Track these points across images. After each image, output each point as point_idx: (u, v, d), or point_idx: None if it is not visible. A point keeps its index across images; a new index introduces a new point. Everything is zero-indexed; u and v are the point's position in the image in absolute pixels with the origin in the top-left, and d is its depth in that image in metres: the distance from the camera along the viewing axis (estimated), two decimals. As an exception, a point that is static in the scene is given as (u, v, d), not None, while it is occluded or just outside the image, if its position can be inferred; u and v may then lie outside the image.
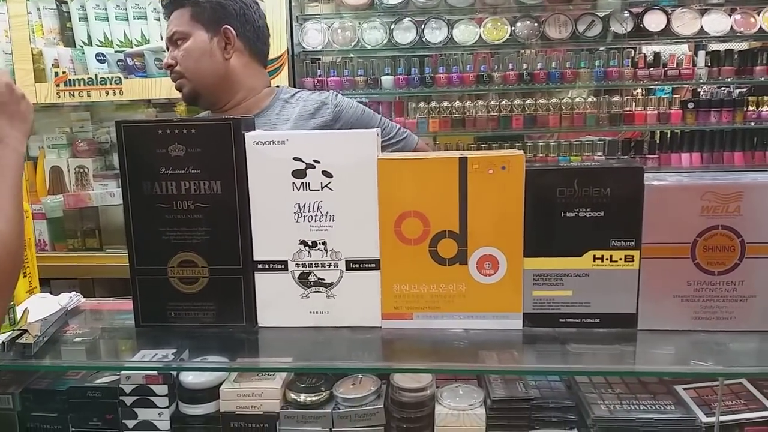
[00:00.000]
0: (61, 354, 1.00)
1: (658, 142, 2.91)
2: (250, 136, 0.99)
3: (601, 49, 2.85)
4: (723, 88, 3.12)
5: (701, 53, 2.83)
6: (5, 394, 1.02)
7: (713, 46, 3.00)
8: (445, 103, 2.89)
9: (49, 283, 1.95)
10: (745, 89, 3.04)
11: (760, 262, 0.94)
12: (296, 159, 0.99)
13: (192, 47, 1.62)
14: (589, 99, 2.81)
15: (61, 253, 2.27)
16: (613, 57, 2.82)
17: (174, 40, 1.64)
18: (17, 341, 0.96)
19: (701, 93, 3.08)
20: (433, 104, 2.91)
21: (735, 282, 0.95)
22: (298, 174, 0.99)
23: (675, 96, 2.84)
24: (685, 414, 0.94)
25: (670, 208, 0.94)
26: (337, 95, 1.74)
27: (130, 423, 1.00)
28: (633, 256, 0.96)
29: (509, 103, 2.85)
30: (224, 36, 1.64)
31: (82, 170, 2.25)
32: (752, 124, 2.84)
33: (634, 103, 2.85)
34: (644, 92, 3.09)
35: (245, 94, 1.69)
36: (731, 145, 2.86)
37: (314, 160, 0.99)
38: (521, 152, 0.97)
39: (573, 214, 0.96)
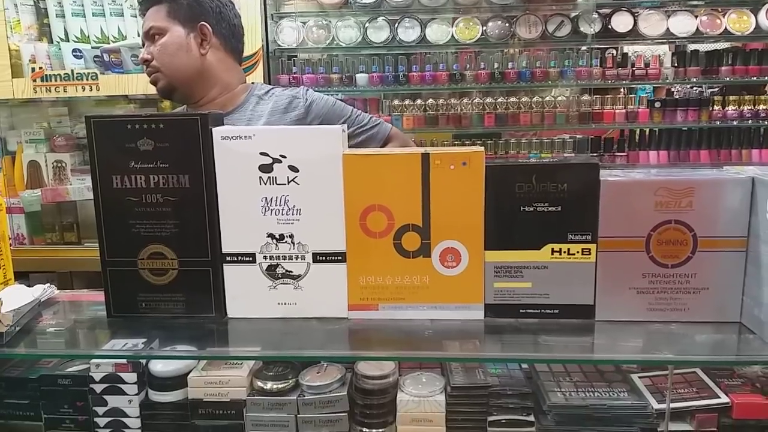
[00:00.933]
0: (33, 343, 1.02)
1: (627, 140, 2.97)
2: (217, 131, 1.01)
3: (593, 48, 2.91)
4: (695, 88, 3.19)
5: (668, 53, 2.90)
6: (-23, 383, 1.04)
7: (695, 47, 3.06)
8: (419, 101, 2.94)
9: (27, 277, 1.95)
10: (716, 89, 3.11)
11: (711, 255, 0.98)
12: (263, 153, 1.01)
13: (168, 42, 1.64)
14: (559, 98, 2.87)
15: (40, 247, 2.28)
16: (588, 56, 2.88)
17: (150, 35, 1.66)
18: (-12, 331, 0.97)
19: (674, 93, 3.14)
20: (407, 101, 2.96)
21: (688, 274, 0.99)
22: (265, 168, 1.02)
23: (642, 96, 2.91)
24: (637, 400, 0.98)
25: (625, 203, 0.98)
26: (308, 90, 1.77)
27: (100, 410, 1.03)
28: (590, 249, 1.00)
29: (481, 101, 2.91)
30: (200, 32, 1.67)
31: (59, 165, 2.26)
32: (717, 123, 2.91)
33: (602, 102, 2.92)
34: (626, 92, 3.15)
35: (220, 90, 1.72)
36: (698, 143, 2.93)
37: (281, 155, 1.01)
38: (481, 149, 1.00)
39: (532, 209, 0.99)
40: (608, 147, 2.94)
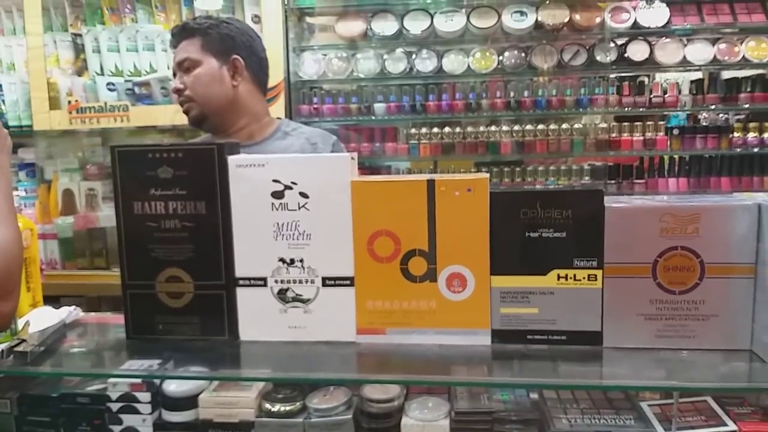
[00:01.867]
0: (56, 363, 1.06)
1: (646, 167, 2.95)
2: (232, 160, 1.06)
3: (612, 77, 2.91)
4: (721, 115, 3.16)
5: (686, 81, 2.88)
6: (4, 399, 1.09)
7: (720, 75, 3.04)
8: (435, 129, 2.98)
9: (59, 300, 2.02)
10: (742, 115, 3.07)
11: (719, 282, 0.97)
12: (275, 181, 1.05)
13: (202, 73, 1.71)
14: (576, 126, 2.87)
15: (71, 272, 2.36)
16: (605, 84, 2.89)
17: (184, 67, 1.73)
18: (15, 349, 1.02)
19: (701, 120, 3.12)
20: (424, 130, 3.01)
21: (696, 301, 0.98)
22: (277, 195, 1.05)
23: (660, 123, 2.89)
24: (643, 428, 0.97)
25: (630, 229, 0.98)
26: (334, 143, 1.81)
27: (116, 428, 1.06)
28: (596, 275, 1.00)
29: (497, 129, 2.93)
30: (233, 65, 1.74)
31: (92, 193, 2.35)
32: (738, 150, 2.88)
33: (620, 129, 2.91)
34: (657, 119, 3.13)
35: (248, 120, 1.79)
36: (718, 171, 2.89)
37: (292, 182, 1.05)
38: (486, 175, 1.02)
39: (537, 234, 1.00)
40: (627, 174, 2.92)
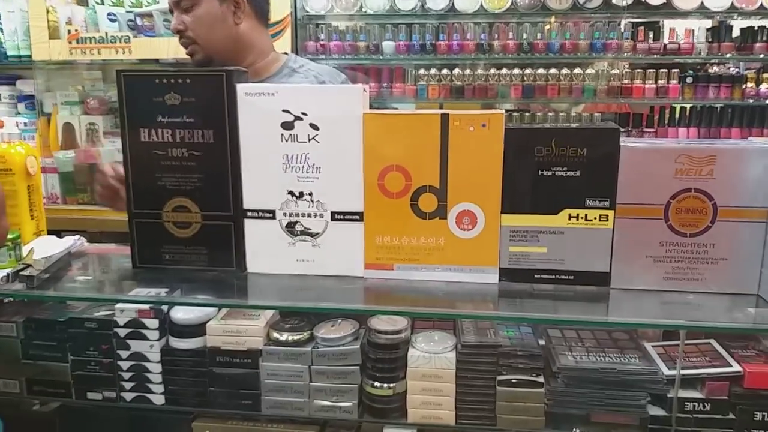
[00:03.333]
0: (62, 288, 1.06)
1: (657, 117, 2.92)
2: (241, 87, 1.03)
3: (637, 21, 2.83)
4: (731, 68, 3.11)
5: (702, 28, 2.82)
6: (9, 323, 1.09)
7: (736, 23, 2.97)
8: (445, 71, 2.92)
9: (60, 235, 2.02)
10: (753, 69, 3.03)
11: (731, 225, 0.97)
12: (285, 111, 1.03)
13: (203, 14, 1.62)
14: (588, 71, 2.82)
15: (72, 207, 2.35)
16: (619, 30, 2.82)
17: (182, 6, 1.64)
18: (21, 274, 1.02)
19: (710, 70, 3.07)
20: (432, 71, 2.95)
21: (706, 244, 0.98)
22: (287, 125, 1.03)
23: (673, 70, 2.83)
24: (648, 366, 0.98)
25: (645, 170, 0.97)
26: (343, 82, 1.75)
27: (124, 354, 1.07)
28: (607, 215, 0.99)
29: (508, 72, 2.88)
30: (234, 1, 1.65)
31: (92, 127, 2.32)
32: (750, 101, 2.84)
33: (632, 77, 2.86)
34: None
35: (255, 57, 1.72)
36: (729, 122, 2.86)
37: (302, 113, 1.02)
38: (502, 111, 1.00)
39: (550, 173, 0.99)
40: (637, 123, 2.89)
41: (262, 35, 1.76)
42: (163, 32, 2.38)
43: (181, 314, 1.07)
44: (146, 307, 1.06)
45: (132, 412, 1.11)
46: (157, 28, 2.36)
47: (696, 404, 0.97)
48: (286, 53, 1.82)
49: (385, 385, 1.01)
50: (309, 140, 1.03)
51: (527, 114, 2.95)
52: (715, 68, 3.11)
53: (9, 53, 2.53)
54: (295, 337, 1.04)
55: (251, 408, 1.06)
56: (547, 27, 2.90)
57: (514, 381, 0.99)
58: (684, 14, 2.84)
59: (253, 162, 1.05)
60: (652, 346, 1.06)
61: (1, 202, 0.95)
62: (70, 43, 2.38)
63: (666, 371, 0.98)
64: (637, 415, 0.98)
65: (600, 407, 0.98)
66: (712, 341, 1.06)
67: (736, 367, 0.97)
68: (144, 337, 1.06)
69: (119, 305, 1.07)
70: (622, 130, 2.98)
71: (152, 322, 1.06)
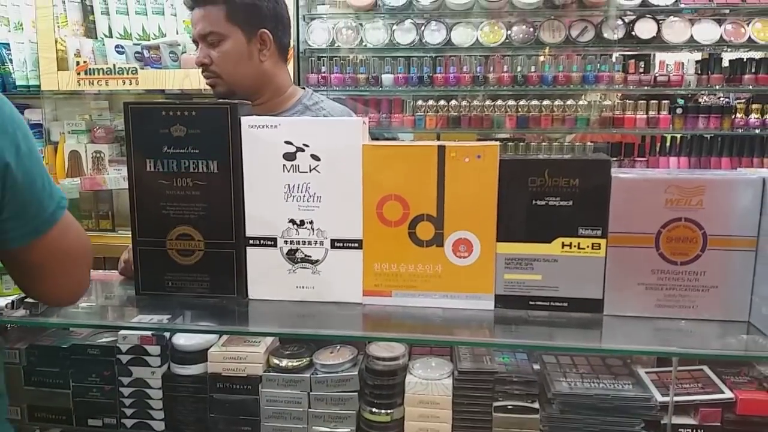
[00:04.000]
0: (65, 314, 1.08)
1: (648, 146, 2.97)
2: (245, 120, 1.07)
3: (628, 54, 2.89)
4: (721, 98, 3.17)
5: (692, 60, 2.88)
6: (13, 349, 1.11)
7: (725, 55, 3.04)
8: (442, 102, 2.99)
9: (63, 262, 2.05)
10: (743, 99, 3.09)
11: (721, 254, 0.99)
12: (287, 142, 1.06)
13: (230, 50, 1.60)
14: (580, 102, 2.88)
15: (76, 234, 2.38)
16: (611, 62, 2.89)
17: (208, 41, 1.62)
18: (25, 300, 1.04)
19: (700, 101, 3.13)
20: (430, 102, 3.02)
21: (697, 272, 1.00)
22: (289, 156, 1.06)
23: (664, 101, 2.89)
24: (641, 392, 0.99)
25: (635, 200, 1.00)
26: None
27: (125, 380, 1.09)
28: (600, 244, 1.02)
29: (503, 103, 2.94)
30: (260, 39, 1.63)
31: (98, 155, 2.36)
32: (740, 131, 2.89)
33: (623, 107, 2.92)
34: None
35: (271, 94, 1.72)
36: (719, 151, 2.90)
37: (304, 144, 1.06)
38: (496, 143, 1.03)
39: (543, 203, 1.02)
40: (629, 152, 2.93)
41: (283, 71, 1.75)
42: (170, 64, 2.44)
43: (183, 341, 1.08)
44: (148, 333, 1.08)
45: (133, 438, 1.11)
46: (163, 60, 2.42)
47: (690, 431, 0.98)
48: (304, 88, 1.83)
49: (383, 411, 1.03)
50: (310, 170, 1.06)
51: (522, 144, 3.01)
52: (705, 99, 3.17)
53: (18, 83, 2.58)
54: (295, 364, 1.06)
55: (251, 434, 1.07)
56: (541, 59, 2.97)
57: (510, 407, 1.00)
58: (674, 47, 2.91)
59: (255, 191, 1.08)
60: (646, 372, 1.07)
61: (89, 258, 0.97)
62: (78, 74, 2.44)
63: (659, 398, 0.99)
64: (632, 442, 0.99)
65: (595, 434, 0.99)
66: (705, 368, 1.08)
67: (728, 394, 0.99)
68: (146, 364, 1.08)
69: (122, 332, 1.09)
70: (615, 159, 3.06)
71: (154, 349, 1.08)
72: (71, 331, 1.18)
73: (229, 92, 1.68)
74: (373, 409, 1.03)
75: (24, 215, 0.80)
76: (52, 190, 0.84)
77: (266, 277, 1.10)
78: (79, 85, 2.45)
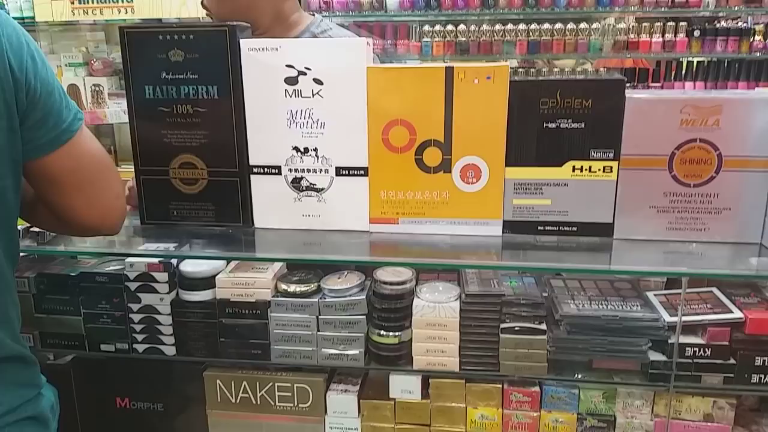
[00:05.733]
0: (72, 244, 1.08)
1: (663, 71, 2.89)
2: (245, 43, 1.03)
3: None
4: (739, 21, 3.07)
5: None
6: (22, 278, 1.11)
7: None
8: (449, 27, 2.89)
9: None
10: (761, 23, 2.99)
11: (735, 175, 0.97)
12: (288, 66, 1.02)
13: None
14: (594, 25, 2.78)
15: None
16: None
17: None
18: (31, 230, 1.04)
19: (718, 25, 3.02)
20: (437, 28, 2.92)
21: (710, 194, 0.98)
22: (290, 81, 1.03)
23: (681, 23, 2.79)
24: (649, 313, 1.00)
25: (650, 121, 0.97)
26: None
27: (135, 306, 1.10)
28: (612, 167, 1.00)
29: (513, 27, 2.84)
30: None
31: (97, 89, 2.31)
32: (758, 54, 2.80)
33: (638, 30, 2.83)
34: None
35: (272, 22, 1.59)
36: (736, 75, 2.82)
37: (306, 68, 1.02)
38: (507, 63, 1.00)
39: (555, 125, 0.99)
40: (643, 78, 2.86)
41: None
42: (166, -9, 2.35)
43: (190, 268, 1.09)
44: (156, 260, 1.08)
45: (144, 363, 1.13)
46: (158, -13, 2.34)
47: (697, 350, 0.98)
48: (313, 14, 1.76)
49: (391, 333, 1.04)
50: (313, 95, 1.03)
51: (532, 71, 2.93)
52: (723, 23, 3.06)
53: (12, 14, 2.50)
54: (303, 289, 1.06)
55: (260, 357, 1.08)
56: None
57: (517, 329, 1.01)
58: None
59: (258, 118, 1.06)
60: (655, 295, 1.07)
61: (117, 174, 0.95)
62: (72, 3, 2.36)
63: (668, 318, 0.99)
64: (638, 361, 1.00)
65: (602, 354, 1.00)
66: (714, 290, 1.07)
67: (737, 314, 0.99)
68: (154, 290, 1.09)
69: (129, 260, 1.09)
70: (628, 85, 2.96)
71: (162, 276, 1.08)
72: (79, 260, 1.18)
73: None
74: (381, 332, 1.04)
75: (45, 124, 0.81)
76: (68, 102, 0.85)
77: (272, 205, 1.09)
78: (74, 14, 2.37)
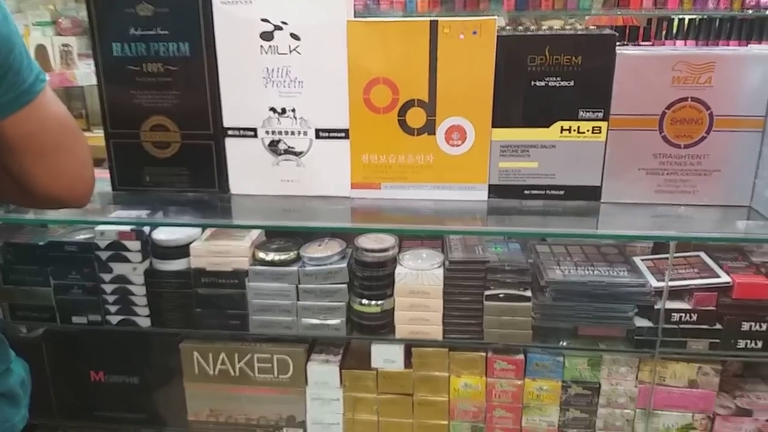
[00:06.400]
0: (40, 211, 1.03)
1: (654, 29, 2.85)
2: (217, -5, 0.97)
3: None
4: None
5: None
6: (-14, 247, 1.07)
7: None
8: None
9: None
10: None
11: (726, 135, 0.94)
12: (264, 20, 0.97)
13: None
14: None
15: (50, 134, 2.28)
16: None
17: None
18: (-6, 197, 0.99)
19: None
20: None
21: (701, 155, 0.96)
22: (266, 36, 0.98)
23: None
24: (636, 278, 0.98)
25: (641, 79, 0.93)
26: None
27: (106, 276, 1.06)
28: (601, 127, 0.96)
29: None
30: None
31: (66, 49, 2.21)
32: (750, 11, 2.77)
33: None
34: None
35: None
36: (728, 34, 2.80)
37: (282, 22, 0.97)
38: (494, 17, 0.95)
39: (543, 83, 0.95)
40: (633, 36, 2.83)
41: None
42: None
43: (163, 236, 1.05)
44: (127, 229, 1.03)
45: (119, 335, 1.10)
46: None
47: (683, 315, 0.97)
48: None
49: (373, 302, 1.01)
50: (290, 52, 0.98)
51: (519, 28, 2.87)
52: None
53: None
54: (282, 257, 1.03)
55: (239, 328, 1.06)
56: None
57: (501, 296, 0.99)
58: None
59: (232, 77, 1.00)
60: (641, 260, 1.05)
61: (85, 140, 0.88)
62: (36, -42, 2.25)
63: (654, 283, 0.98)
64: (624, 327, 0.99)
65: (587, 320, 0.99)
66: (702, 254, 1.06)
67: (724, 278, 0.97)
68: (126, 260, 1.05)
69: (99, 227, 1.05)
70: (618, 43, 2.93)
71: (134, 244, 1.04)
72: (48, 229, 1.14)
73: None
74: (363, 301, 1.01)
75: (1, 84, 0.74)
76: (30, 62, 0.78)
77: (248, 170, 1.04)
78: (40, -30, 2.26)
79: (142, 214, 0.98)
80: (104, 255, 1.05)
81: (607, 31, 0.96)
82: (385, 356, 1.05)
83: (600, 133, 0.96)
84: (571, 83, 0.94)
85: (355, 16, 1.01)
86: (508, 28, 2.84)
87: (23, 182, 0.82)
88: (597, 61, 0.93)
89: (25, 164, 0.80)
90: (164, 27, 0.99)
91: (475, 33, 0.94)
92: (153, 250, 1.05)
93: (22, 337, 1.15)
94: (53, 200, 0.86)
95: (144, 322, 1.07)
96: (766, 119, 0.92)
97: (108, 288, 1.06)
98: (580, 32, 0.99)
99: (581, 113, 0.96)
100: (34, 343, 1.13)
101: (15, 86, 0.76)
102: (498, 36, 0.93)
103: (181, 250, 1.04)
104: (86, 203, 0.88)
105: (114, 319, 1.08)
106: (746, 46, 2.77)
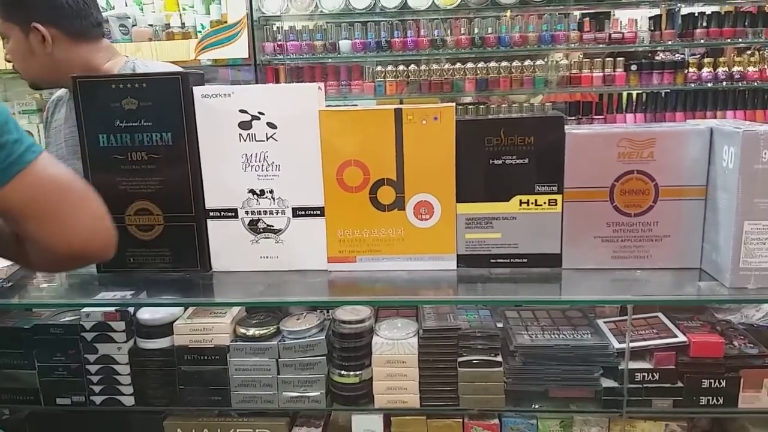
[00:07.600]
0: (26, 295, 1.06)
1: (606, 104, 3.04)
2: (198, 90, 1.05)
3: (583, 12, 2.95)
4: (677, 54, 3.25)
5: (644, 17, 2.93)
6: (-28, 333, 1.09)
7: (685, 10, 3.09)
8: (401, 67, 2.99)
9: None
10: (698, 54, 3.17)
11: (672, 204, 1.02)
12: (242, 111, 1.05)
13: (14, 48, 1.61)
14: (538, 62, 2.91)
15: (35, 217, 2.31)
16: (566, 21, 2.93)
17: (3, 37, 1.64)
18: (-18, 283, 1.02)
19: (656, 57, 3.19)
20: (390, 68, 3.03)
21: (650, 223, 1.03)
22: (244, 125, 1.05)
23: (618, 59, 2.95)
24: (599, 340, 1.03)
25: (589, 155, 1.02)
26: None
27: (91, 357, 1.08)
28: (556, 200, 1.04)
29: (462, 66, 2.96)
30: (35, 34, 1.58)
31: (52, 135, 2.28)
32: (692, 85, 2.96)
33: (580, 66, 2.98)
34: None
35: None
36: (673, 106, 2.98)
37: (259, 112, 1.05)
38: (452, 104, 1.04)
39: (500, 162, 1.03)
40: (587, 111, 3.01)
41: (81, 55, 1.65)
42: (120, 38, 2.36)
43: (147, 315, 1.08)
44: (112, 310, 1.07)
45: (103, 414, 1.11)
46: (113, 34, 2.34)
47: (645, 374, 1.02)
48: (127, 57, 1.75)
49: (352, 373, 1.05)
50: (267, 139, 1.05)
51: (483, 107, 3.03)
52: (662, 55, 3.24)
53: (-39, 63, 2.48)
54: (262, 332, 1.06)
55: (221, 404, 1.08)
56: (504, 19, 2.97)
57: (474, 362, 1.03)
58: (630, 3, 2.96)
59: (213, 162, 1.07)
60: (604, 322, 1.11)
61: (92, 192, 0.90)
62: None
63: (617, 344, 1.03)
64: (591, 388, 1.03)
65: (556, 382, 1.03)
66: (660, 315, 1.12)
67: (681, 338, 1.03)
68: (111, 340, 1.08)
69: (85, 309, 1.08)
70: (573, 118, 3.11)
71: (119, 325, 1.07)
72: (33, 312, 1.16)
73: (34, 85, 1.72)
74: (342, 372, 1.05)
75: None
76: (22, 136, 0.81)
77: (229, 248, 1.10)
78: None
79: (127, 294, 1.02)
80: (89, 336, 1.08)
81: (556, 113, 1.05)
82: (366, 426, 1.07)
83: (556, 205, 1.04)
84: (526, 161, 1.03)
85: (327, 101, 1.09)
86: (470, 108, 3.01)
87: (40, 246, 0.85)
88: (548, 140, 1.02)
89: (31, 229, 0.84)
90: (148, 119, 1.06)
91: (436, 119, 1.02)
92: (137, 329, 1.09)
93: (7, 419, 1.15)
94: (75, 258, 0.87)
95: (128, 401, 1.09)
96: (707, 188, 1.01)
97: (92, 368, 1.08)
98: (530, 116, 1.08)
99: (537, 187, 1.04)
100: (18, 426, 1.13)
101: (5, 158, 0.79)
102: (457, 121, 1.02)
103: (165, 329, 1.08)
104: (111, 254, 0.90)
105: (98, 399, 1.09)
106: (692, 116, 2.96)
